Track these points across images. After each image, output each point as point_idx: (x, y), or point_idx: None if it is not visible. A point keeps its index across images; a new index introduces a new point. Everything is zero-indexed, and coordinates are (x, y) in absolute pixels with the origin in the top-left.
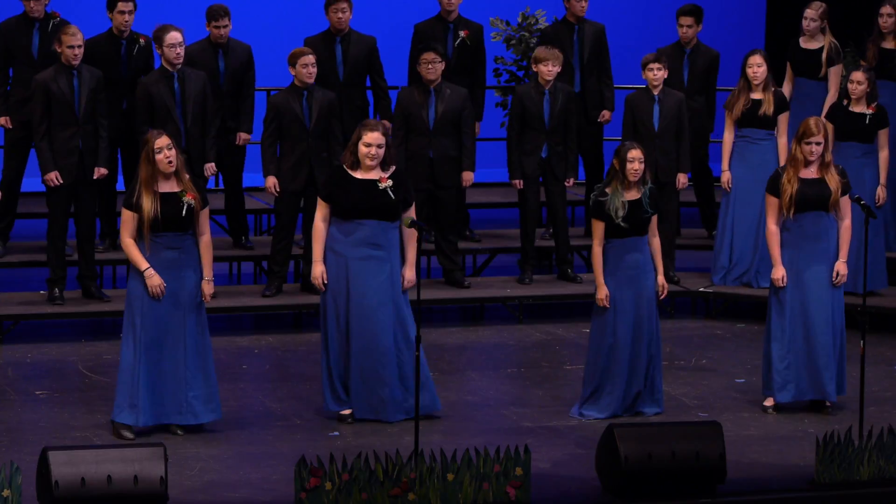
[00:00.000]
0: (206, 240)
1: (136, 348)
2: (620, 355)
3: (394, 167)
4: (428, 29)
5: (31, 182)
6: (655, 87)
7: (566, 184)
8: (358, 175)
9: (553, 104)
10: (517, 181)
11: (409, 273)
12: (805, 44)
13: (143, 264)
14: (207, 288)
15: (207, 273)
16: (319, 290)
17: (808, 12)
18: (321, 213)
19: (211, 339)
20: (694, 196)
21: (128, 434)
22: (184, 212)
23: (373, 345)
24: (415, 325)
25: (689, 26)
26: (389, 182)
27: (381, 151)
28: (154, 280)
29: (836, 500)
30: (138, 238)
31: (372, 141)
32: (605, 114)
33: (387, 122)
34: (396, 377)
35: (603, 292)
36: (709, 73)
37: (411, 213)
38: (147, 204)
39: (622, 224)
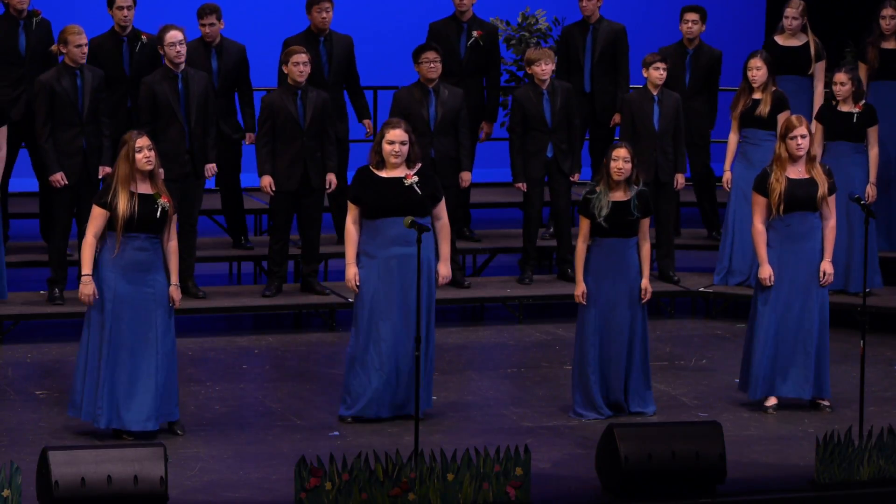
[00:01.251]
0: (173, 245)
1: (105, 348)
2: (591, 355)
3: (420, 164)
4: (442, 28)
5: (32, 182)
6: (657, 86)
7: (572, 179)
8: (383, 174)
9: (553, 103)
10: (521, 184)
11: (444, 269)
12: (785, 41)
13: (86, 268)
14: (176, 294)
15: (174, 278)
16: (353, 292)
17: (790, 11)
18: (351, 215)
19: (211, 338)
20: (694, 196)
21: (127, 435)
22: (158, 213)
23: (403, 342)
24: (433, 323)
25: (693, 22)
26: (415, 178)
27: (405, 148)
28: (87, 289)
29: (836, 500)
30: (108, 236)
31: (395, 138)
32: (617, 118)
33: (369, 122)
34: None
35: (580, 289)
36: (711, 73)
37: (441, 209)
38: (123, 203)
39: (603, 224)
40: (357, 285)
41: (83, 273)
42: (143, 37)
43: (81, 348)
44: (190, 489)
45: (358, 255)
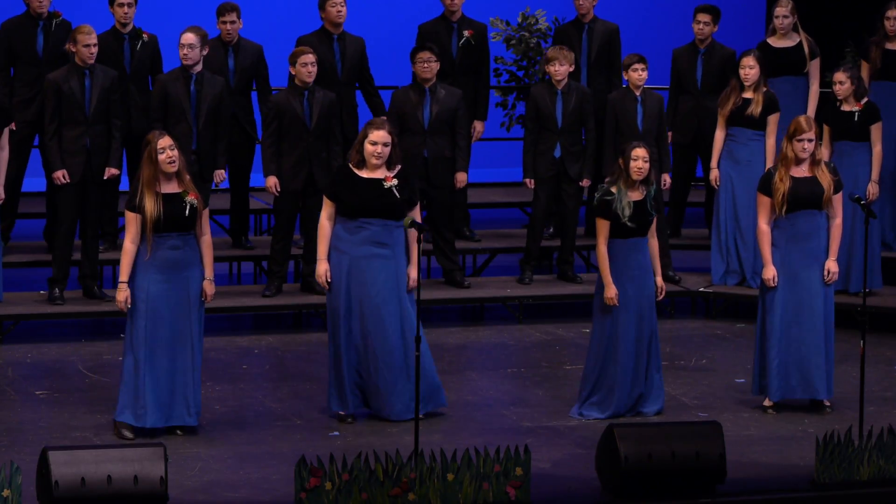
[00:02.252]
0: (206, 240)
1: (143, 349)
2: (623, 356)
3: (399, 166)
4: (432, 29)
5: (32, 182)
6: (638, 87)
7: (581, 184)
8: (363, 174)
9: (566, 104)
10: (528, 180)
11: (414, 272)
12: (777, 42)
13: (122, 275)
14: (209, 288)
15: (209, 273)
16: (323, 288)
17: (780, 10)
18: (326, 211)
19: (211, 338)
20: (696, 196)
21: (128, 433)
22: (186, 212)
23: (379, 343)
24: (415, 323)
25: (706, 23)
26: (395, 181)
27: (387, 150)
28: (121, 295)
29: (836, 500)
30: (141, 239)
31: (378, 139)
32: None
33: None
34: (404, 375)
35: (612, 291)
36: (724, 72)
37: (415, 214)
38: (150, 205)
39: (629, 224)
40: (328, 281)
41: (120, 280)
42: (145, 35)
43: (125, 353)
44: (190, 489)
45: (329, 251)
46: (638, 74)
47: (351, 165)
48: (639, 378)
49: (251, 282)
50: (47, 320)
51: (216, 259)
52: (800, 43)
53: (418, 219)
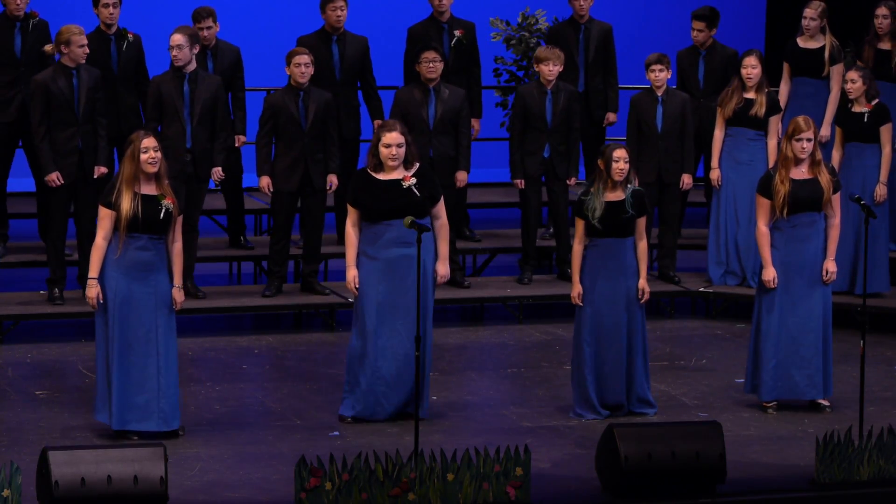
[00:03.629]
0: (178, 247)
1: (109, 350)
2: (593, 354)
3: (417, 164)
4: (422, 31)
5: (24, 183)
6: (658, 87)
7: (568, 182)
8: (381, 176)
9: (555, 104)
10: (518, 181)
11: (442, 268)
12: (804, 43)
13: (92, 271)
14: (178, 295)
15: (178, 280)
16: (353, 294)
17: (808, 12)
18: (351, 218)
19: (211, 338)
20: (696, 196)
21: (133, 436)
22: (161, 215)
23: (404, 343)
24: (430, 326)
25: (699, 30)
26: (413, 180)
27: (402, 150)
28: (91, 291)
29: (836, 500)
30: (112, 236)
31: (391, 141)
32: (610, 116)
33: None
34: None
35: (576, 290)
36: (726, 72)
37: (440, 209)
38: (126, 203)
39: (597, 225)
40: (356, 287)
41: (89, 276)
42: (130, 35)
43: (97, 351)
44: (190, 489)
45: (358, 257)
46: (654, 75)
47: (369, 170)
48: (612, 377)
49: (251, 282)
50: (47, 320)
51: (216, 259)
52: (823, 46)
53: (442, 213)
